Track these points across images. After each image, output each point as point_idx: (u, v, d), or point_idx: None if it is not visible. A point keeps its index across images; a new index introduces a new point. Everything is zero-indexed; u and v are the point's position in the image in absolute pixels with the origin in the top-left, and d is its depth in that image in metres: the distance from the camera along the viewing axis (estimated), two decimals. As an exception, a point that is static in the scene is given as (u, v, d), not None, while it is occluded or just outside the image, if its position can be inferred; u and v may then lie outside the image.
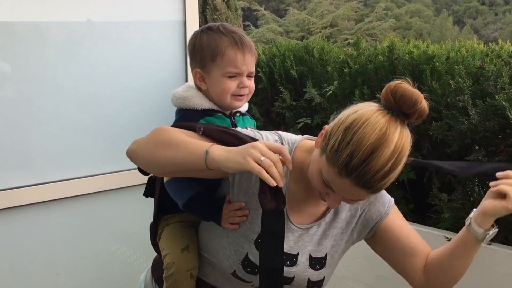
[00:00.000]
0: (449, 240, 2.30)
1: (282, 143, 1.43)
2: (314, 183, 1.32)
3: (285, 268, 1.38)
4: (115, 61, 2.52)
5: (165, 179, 1.59)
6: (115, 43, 2.52)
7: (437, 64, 2.43)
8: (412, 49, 2.62)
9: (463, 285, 2.33)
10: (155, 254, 1.76)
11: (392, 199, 1.52)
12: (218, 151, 1.27)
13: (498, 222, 1.34)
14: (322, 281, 1.47)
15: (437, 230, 2.47)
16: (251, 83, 1.64)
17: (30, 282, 2.40)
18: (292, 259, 1.42)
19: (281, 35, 20.44)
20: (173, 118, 2.76)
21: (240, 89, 1.61)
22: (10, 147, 2.28)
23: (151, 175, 1.67)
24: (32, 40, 2.30)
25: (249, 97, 1.68)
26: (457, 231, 2.40)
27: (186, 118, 1.63)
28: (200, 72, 1.64)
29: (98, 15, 2.46)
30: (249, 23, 21.82)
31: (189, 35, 2.70)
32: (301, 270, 1.43)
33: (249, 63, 1.61)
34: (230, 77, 1.60)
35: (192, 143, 1.32)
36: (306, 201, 1.44)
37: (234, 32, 1.62)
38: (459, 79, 2.29)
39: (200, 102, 1.64)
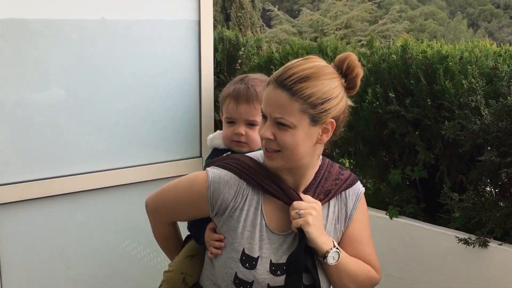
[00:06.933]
0: (460, 240, 2.31)
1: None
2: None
3: (277, 278, 1.45)
4: (128, 59, 2.54)
5: None
6: (128, 41, 2.54)
7: (451, 64, 2.43)
8: (425, 49, 2.61)
9: (461, 283, 2.34)
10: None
11: (362, 191, 1.62)
12: None
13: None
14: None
15: (447, 229, 2.47)
16: (249, 132, 1.72)
17: (42, 274, 2.43)
18: (283, 267, 1.46)
19: (294, 36, 20.39)
20: (184, 115, 2.80)
21: (235, 135, 1.72)
22: (12, 144, 2.30)
23: None
24: (45, 37, 2.32)
25: (253, 146, 1.73)
26: (467, 230, 2.42)
27: (214, 155, 1.77)
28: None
29: (112, 13, 2.48)
30: (263, 23, 21.81)
31: (203, 34, 2.74)
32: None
33: (243, 112, 1.71)
34: (228, 122, 1.74)
35: None
36: (281, 207, 1.49)
37: (243, 84, 1.73)
38: (472, 79, 2.29)
39: (219, 142, 1.79)
